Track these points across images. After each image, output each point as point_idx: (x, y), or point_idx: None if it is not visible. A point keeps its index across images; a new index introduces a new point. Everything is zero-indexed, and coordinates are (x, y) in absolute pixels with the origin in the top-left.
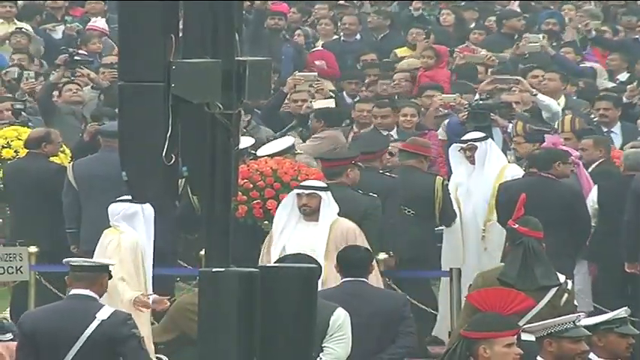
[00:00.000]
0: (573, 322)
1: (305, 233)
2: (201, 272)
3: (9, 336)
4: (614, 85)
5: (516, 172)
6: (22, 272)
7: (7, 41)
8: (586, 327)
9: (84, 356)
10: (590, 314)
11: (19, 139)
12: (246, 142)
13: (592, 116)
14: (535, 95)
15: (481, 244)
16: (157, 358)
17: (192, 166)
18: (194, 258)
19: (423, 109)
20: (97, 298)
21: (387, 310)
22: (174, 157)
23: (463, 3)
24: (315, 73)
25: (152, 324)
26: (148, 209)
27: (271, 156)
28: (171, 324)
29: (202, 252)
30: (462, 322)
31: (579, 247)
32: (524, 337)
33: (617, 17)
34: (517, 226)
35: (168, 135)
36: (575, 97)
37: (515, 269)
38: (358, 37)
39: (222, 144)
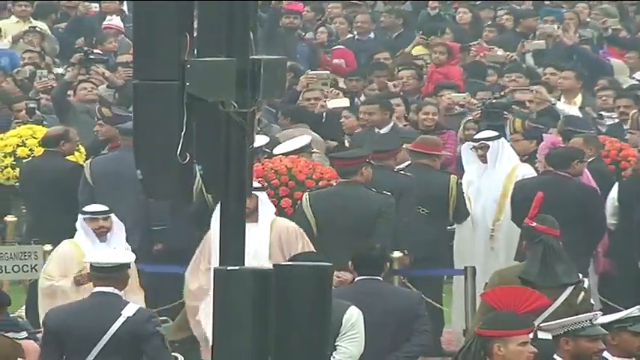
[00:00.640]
0: (590, 320)
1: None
2: (215, 270)
3: (24, 334)
4: (636, 82)
5: (528, 171)
6: (36, 270)
7: (21, 40)
8: (601, 325)
9: (109, 353)
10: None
11: (34, 138)
12: (260, 140)
13: (607, 114)
14: (554, 105)
15: (489, 243)
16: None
17: (207, 165)
18: None
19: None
20: (121, 295)
21: (402, 308)
22: (188, 155)
23: (478, 2)
24: (328, 72)
25: (167, 322)
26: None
27: (286, 154)
28: (185, 322)
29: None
30: (477, 320)
31: (594, 245)
32: (541, 335)
33: (630, 16)
34: (535, 224)
35: (182, 133)
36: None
37: (536, 267)
38: (372, 35)
39: (237, 142)
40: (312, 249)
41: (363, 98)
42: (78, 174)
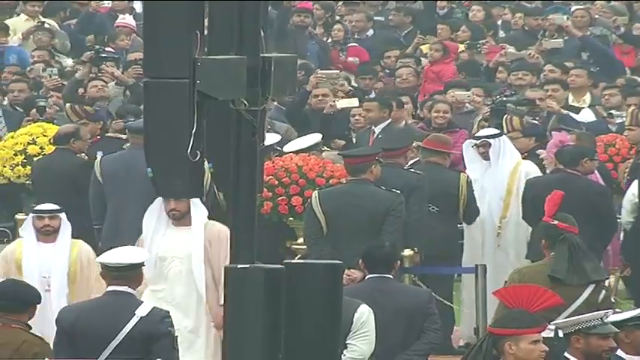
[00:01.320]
0: (601, 318)
1: (177, 238)
2: (226, 268)
3: None
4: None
5: (531, 168)
6: None
7: (31, 37)
8: (613, 323)
9: (121, 352)
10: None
11: (45, 136)
12: (271, 138)
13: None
14: (566, 114)
15: (496, 241)
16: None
17: (218, 163)
18: None
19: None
20: (135, 294)
21: (412, 306)
22: (199, 153)
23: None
24: (337, 71)
25: None
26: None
27: (297, 152)
28: None
29: None
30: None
31: (606, 242)
32: (550, 334)
33: (638, 14)
34: (556, 222)
35: (193, 131)
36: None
37: (564, 265)
38: (370, 33)
39: (248, 140)
40: None
41: (373, 96)
42: (86, 170)
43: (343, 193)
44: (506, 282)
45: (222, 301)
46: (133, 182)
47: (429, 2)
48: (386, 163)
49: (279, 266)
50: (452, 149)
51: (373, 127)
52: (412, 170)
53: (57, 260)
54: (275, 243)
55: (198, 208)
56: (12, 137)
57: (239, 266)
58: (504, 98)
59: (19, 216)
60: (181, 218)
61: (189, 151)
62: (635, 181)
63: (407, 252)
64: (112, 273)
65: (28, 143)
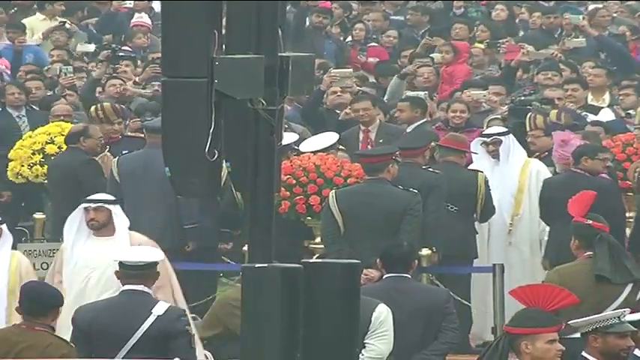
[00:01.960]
0: (618, 317)
1: (100, 249)
2: (244, 268)
3: None
4: None
5: (540, 166)
6: None
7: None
8: (631, 322)
9: (138, 351)
10: None
11: (63, 135)
12: (289, 138)
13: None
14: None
15: (507, 238)
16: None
17: (235, 162)
18: (237, 254)
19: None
20: (151, 293)
21: (430, 306)
22: (217, 152)
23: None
24: (351, 70)
25: (196, 319)
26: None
27: (314, 152)
28: (214, 320)
29: (245, 248)
30: None
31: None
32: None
33: None
34: (591, 222)
35: (211, 131)
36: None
37: (607, 264)
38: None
39: (265, 140)
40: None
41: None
42: (89, 169)
43: (360, 193)
44: (543, 281)
45: None
46: (150, 181)
47: (447, 2)
48: (404, 163)
49: (297, 265)
50: (467, 148)
51: (367, 127)
52: (430, 169)
53: None
54: (293, 242)
55: (120, 218)
56: (30, 137)
57: (256, 265)
58: (522, 97)
59: (37, 215)
60: (100, 228)
61: (206, 150)
62: None
63: (425, 251)
64: (128, 271)
65: (47, 142)
